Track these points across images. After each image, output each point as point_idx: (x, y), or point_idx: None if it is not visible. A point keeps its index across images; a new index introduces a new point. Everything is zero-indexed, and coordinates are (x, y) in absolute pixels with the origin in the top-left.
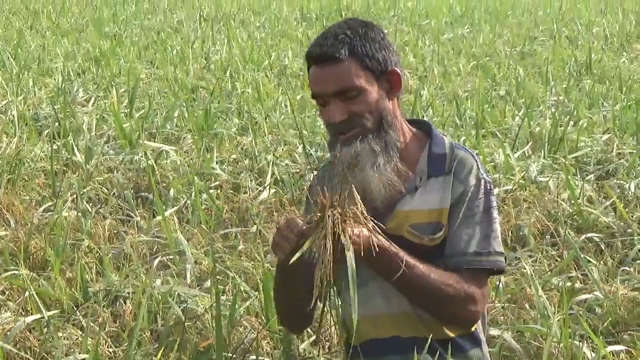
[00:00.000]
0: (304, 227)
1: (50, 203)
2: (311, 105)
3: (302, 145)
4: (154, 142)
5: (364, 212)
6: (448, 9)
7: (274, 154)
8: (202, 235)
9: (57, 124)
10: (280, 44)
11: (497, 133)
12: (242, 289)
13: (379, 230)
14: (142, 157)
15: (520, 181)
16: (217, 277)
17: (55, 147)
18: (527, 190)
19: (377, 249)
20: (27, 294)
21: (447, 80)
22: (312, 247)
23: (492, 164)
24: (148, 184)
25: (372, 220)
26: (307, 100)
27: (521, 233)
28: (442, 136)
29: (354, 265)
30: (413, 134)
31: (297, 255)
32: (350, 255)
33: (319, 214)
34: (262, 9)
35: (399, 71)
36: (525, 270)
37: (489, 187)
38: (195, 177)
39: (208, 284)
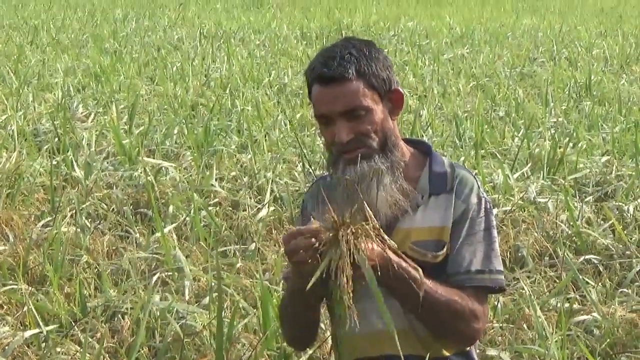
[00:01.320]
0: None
1: (49, 218)
2: (311, 124)
3: (301, 163)
4: (154, 158)
5: (377, 228)
6: (448, 30)
7: (273, 172)
8: (200, 253)
9: (56, 139)
10: (280, 62)
11: (497, 154)
12: (240, 306)
13: (392, 247)
14: (141, 173)
15: (519, 202)
16: (216, 294)
17: (54, 162)
18: (526, 211)
19: (393, 265)
20: (25, 308)
21: (447, 101)
22: (330, 268)
23: (491, 184)
24: (147, 200)
25: (384, 237)
26: (306, 119)
27: (520, 254)
28: (440, 155)
29: (373, 279)
30: (411, 153)
31: (315, 278)
32: (368, 273)
33: (331, 234)
34: (262, 28)
35: (401, 91)
36: (523, 291)
37: (489, 207)
38: (195, 194)
39: (206, 300)
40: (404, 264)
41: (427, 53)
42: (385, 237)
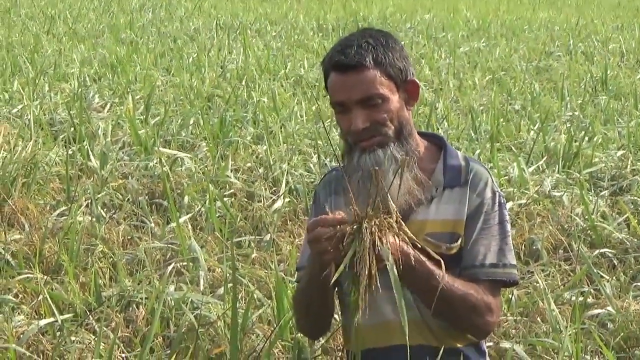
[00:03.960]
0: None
1: (64, 208)
2: (326, 115)
3: (317, 155)
4: (169, 149)
5: (400, 221)
6: (464, 23)
7: (288, 163)
8: (215, 243)
9: (72, 129)
10: (296, 54)
11: (512, 147)
12: (255, 296)
13: (412, 240)
14: (157, 163)
15: (534, 195)
16: (231, 284)
17: (70, 152)
18: (541, 204)
19: (414, 259)
20: (40, 297)
21: (463, 94)
22: (353, 261)
23: (506, 177)
24: (162, 191)
25: (406, 230)
26: (322, 111)
27: (534, 247)
28: (454, 149)
29: (396, 273)
30: (425, 146)
31: (340, 271)
32: (390, 266)
33: (354, 225)
34: (279, 19)
35: (417, 81)
36: (538, 284)
37: (502, 201)
38: (210, 185)
39: (221, 291)
40: (424, 259)
41: (444, 46)
42: (407, 230)
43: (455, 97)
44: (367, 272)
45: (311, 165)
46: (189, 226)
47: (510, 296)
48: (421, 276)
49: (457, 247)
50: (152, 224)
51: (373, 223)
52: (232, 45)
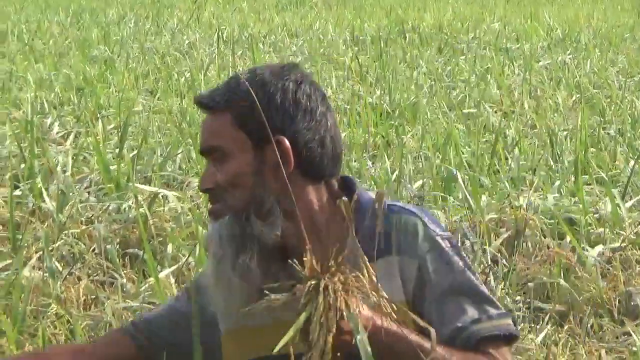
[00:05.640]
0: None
1: (8, 261)
2: (359, 146)
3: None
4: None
5: (373, 279)
6: (546, 31)
7: None
8: None
9: (22, 164)
10: (322, 70)
11: (605, 179)
12: None
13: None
14: (132, 204)
15: (632, 237)
16: None
17: (18, 192)
18: None
19: (393, 331)
20: None
21: (541, 117)
22: (310, 330)
23: (596, 215)
24: (138, 238)
25: (383, 294)
26: (354, 139)
27: (632, 303)
28: (368, 199)
29: (369, 350)
30: (333, 211)
31: (288, 336)
32: (361, 338)
33: (311, 282)
34: (301, 31)
35: (287, 143)
36: (635, 349)
37: (449, 245)
38: (201, 228)
39: None
40: (405, 331)
41: (517, 59)
42: (384, 294)
43: (530, 120)
44: (324, 341)
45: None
46: (172, 281)
47: None
48: (403, 354)
49: None
50: (124, 280)
51: (337, 279)
52: (237, 63)
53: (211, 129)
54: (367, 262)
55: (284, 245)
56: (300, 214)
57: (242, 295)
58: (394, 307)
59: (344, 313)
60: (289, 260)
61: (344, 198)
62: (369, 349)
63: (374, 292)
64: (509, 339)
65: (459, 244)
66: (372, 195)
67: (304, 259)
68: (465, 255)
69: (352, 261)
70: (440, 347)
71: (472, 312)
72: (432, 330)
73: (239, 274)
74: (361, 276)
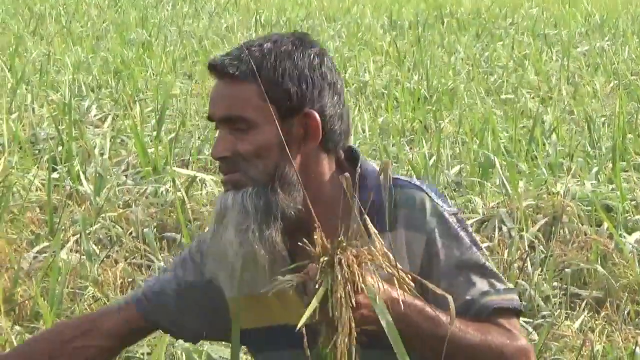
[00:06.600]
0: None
1: (45, 244)
2: (397, 130)
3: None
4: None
5: (386, 252)
6: (584, 17)
7: None
8: None
9: (60, 147)
10: (359, 56)
11: None
12: None
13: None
14: (169, 187)
15: None
16: None
17: (56, 174)
18: None
19: (409, 302)
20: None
21: (579, 103)
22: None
23: (633, 202)
24: (176, 221)
25: (397, 265)
26: (391, 123)
27: None
28: (372, 170)
29: (390, 319)
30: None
31: (305, 317)
32: (380, 309)
33: (323, 260)
34: (339, 15)
35: (316, 115)
36: None
37: (455, 220)
38: None
39: None
40: (420, 302)
41: (555, 45)
42: (399, 266)
43: (568, 106)
44: (348, 317)
45: None
46: None
47: (634, 347)
48: (420, 326)
49: None
50: (162, 263)
51: (349, 254)
52: None
53: (234, 98)
54: (377, 235)
55: (301, 218)
56: (312, 185)
57: (263, 267)
58: (410, 277)
59: (361, 286)
60: (302, 240)
61: (346, 174)
62: (390, 318)
63: (387, 264)
64: (516, 312)
65: (466, 221)
66: (376, 166)
67: (315, 237)
68: (471, 230)
69: (359, 235)
70: (458, 320)
71: (480, 285)
72: (450, 299)
73: (265, 247)
74: (373, 249)
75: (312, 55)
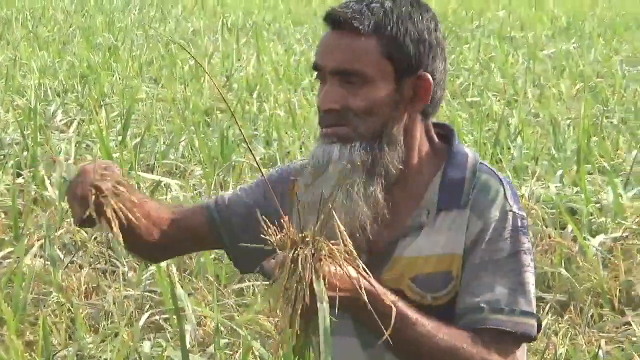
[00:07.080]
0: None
1: (10, 249)
2: None
3: None
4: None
5: (349, 246)
6: (550, 20)
7: None
8: (208, 290)
9: (25, 152)
10: None
11: (607, 168)
12: (257, 353)
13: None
14: None
15: (633, 227)
16: (226, 339)
17: (21, 179)
18: None
19: (365, 295)
20: None
21: (544, 106)
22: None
23: (598, 205)
24: None
25: (358, 263)
26: None
27: (633, 293)
28: (464, 152)
29: (328, 320)
30: (434, 151)
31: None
32: (323, 308)
33: (290, 251)
34: (306, 18)
35: (430, 79)
36: (635, 339)
37: (519, 224)
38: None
39: (212, 349)
40: (387, 296)
41: (521, 48)
42: (360, 263)
43: (534, 109)
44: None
45: None
46: (174, 270)
47: (597, 350)
48: (381, 314)
49: (448, 296)
50: (126, 268)
51: (307, 250)
52: (241, 50)
53: (354, 52)
54: (344, 231)
55: (397, 176)
56: (407, 147)
57: (364, 224)
58: (371, 278)
59: (313, 279)
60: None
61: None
62: (328, 320)
63: (347, 262)
64: (520, 338)
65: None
66: (468, 150)
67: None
68: (528, 239)
69: (332, 230)
70: (431, 321)
71: (499, 296)
72: (394, 308)
73: (368, 203)
74: (335, 247)
75: (428, 19)
